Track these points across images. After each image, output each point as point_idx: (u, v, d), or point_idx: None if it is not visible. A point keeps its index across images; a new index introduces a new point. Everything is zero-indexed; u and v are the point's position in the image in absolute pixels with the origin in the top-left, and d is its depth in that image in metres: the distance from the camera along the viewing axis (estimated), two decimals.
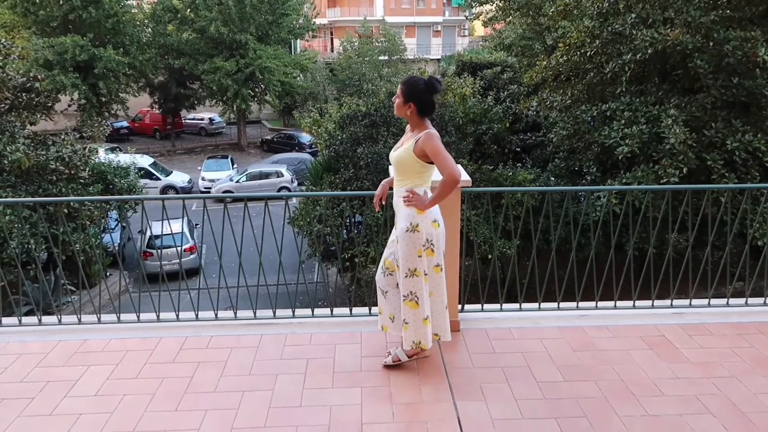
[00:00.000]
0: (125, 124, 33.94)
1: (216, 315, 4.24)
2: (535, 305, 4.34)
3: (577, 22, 11.65)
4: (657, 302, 4.38)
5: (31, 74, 13.15)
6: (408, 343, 3.45)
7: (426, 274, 3.34)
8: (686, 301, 4.38)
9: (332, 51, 41.02)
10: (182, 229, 11.18)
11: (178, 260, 14.14)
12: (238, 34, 27.70)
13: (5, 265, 10.01)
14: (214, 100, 30.75)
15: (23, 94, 12.28)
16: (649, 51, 9.72)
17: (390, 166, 3.44)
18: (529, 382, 3.41)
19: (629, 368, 3.55)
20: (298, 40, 35.11)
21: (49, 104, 13.32)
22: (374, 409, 3.16)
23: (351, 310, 4.30)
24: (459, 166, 3.53)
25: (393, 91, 3.80)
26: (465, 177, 3.76)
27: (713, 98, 9.76)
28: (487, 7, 16.81)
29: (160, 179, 23.80)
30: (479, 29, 39.93)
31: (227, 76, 27.81)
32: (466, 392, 3.31)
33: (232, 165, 26.42)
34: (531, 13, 14.24)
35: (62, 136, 13.09)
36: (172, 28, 29.67)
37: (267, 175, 23.79)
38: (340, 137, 12.95)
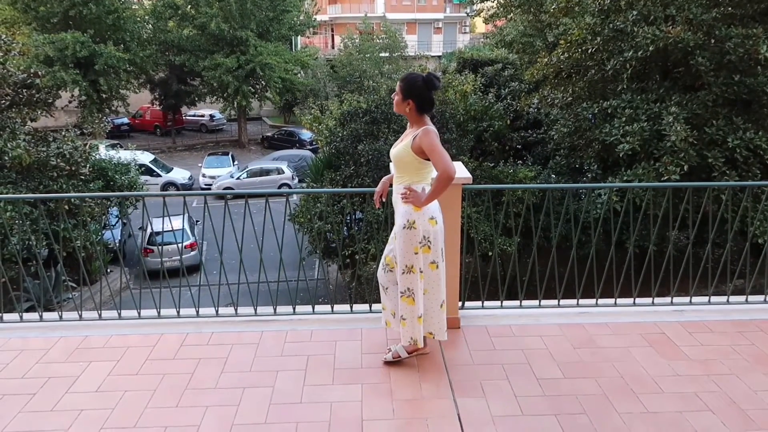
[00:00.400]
0: (126, 120, 33.95)
1: (217, 311, 4.25)
2: (536, 302, 4.34)
3: (579, 19, 11.62)
4: (657, 299, 4.39)
5: (32, 70, 13.14)
6: (406, 339, 3.46)
7: (421, 272, 3.34)
8: (686, 299, 4.38)
9: (333, 48, 40.98)
10: (183, 225, 11.18)
11: (178, 257, 14.16)
12: (238, 31, 27.67)
13: (6, 262, 10.02)
14: (215, 97, 30.75)
15: (24, 91, 12.27)
16: (651, 48, 9.70)
17: (390, 163, 3.44)
18: (529, 378, 3.42)
19: (629, 365, 3.55)
20: (299, 37, 35.10)
21: (50, 101, 13.32)
22: (374, 406, 3.17)
23: (351, 307, 4.31)
24: (459, 163, 3.53)
25: (394, 88, 3.81)
26: (465, 174, 3.76)
27: (714, 96, 9.74)
28: (488, 3, 16.79)
29: (160, 176, 23.81)
30: (480, 26, 39.91)
31: (228, 72, 27.80)
32: (466, 389, 3.32)
33: (233, 162, 26.42)
34: (532, 9, 14.22)
35: (63, 133, 13.09)
36: (173, 24, 29.65)
37: (268, 172, 23.79)
38: (340, 134, 12.94)
